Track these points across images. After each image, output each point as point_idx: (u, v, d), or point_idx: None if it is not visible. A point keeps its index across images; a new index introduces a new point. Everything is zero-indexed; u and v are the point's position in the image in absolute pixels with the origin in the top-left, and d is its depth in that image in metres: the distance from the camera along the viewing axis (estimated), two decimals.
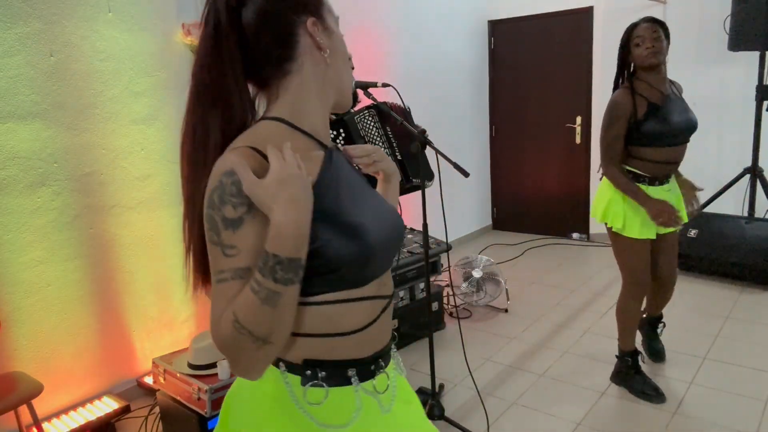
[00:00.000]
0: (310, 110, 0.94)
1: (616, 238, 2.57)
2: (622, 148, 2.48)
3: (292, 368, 0.91)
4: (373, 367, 0.96)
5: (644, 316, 2.94)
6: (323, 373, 0.91)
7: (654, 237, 2.51)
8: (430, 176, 2.78)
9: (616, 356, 2.76)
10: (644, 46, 2.38)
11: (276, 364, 0.92)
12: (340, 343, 0.91)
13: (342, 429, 0.91)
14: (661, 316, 2.93)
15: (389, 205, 1.04)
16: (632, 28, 2.45)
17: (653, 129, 2.39)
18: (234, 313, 0.78)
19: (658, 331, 2.96)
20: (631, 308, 2.63)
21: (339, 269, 0.87)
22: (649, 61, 2.38)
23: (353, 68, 1.00)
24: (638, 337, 3.09)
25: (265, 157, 0.83)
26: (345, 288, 0.90)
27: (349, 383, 0.92)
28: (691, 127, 2.46)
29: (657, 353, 2.96)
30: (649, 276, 2.61)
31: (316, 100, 0.94)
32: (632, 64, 2.49)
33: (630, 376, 2.69)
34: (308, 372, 0.90)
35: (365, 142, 2.61)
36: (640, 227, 2.48)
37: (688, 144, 2.52)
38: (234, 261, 0.80)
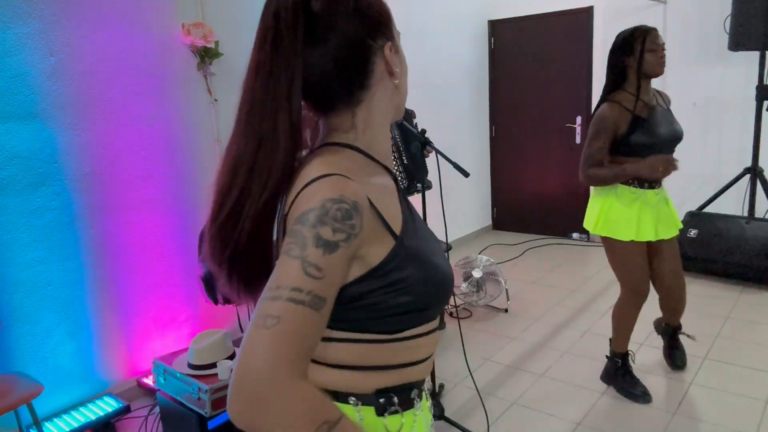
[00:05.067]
0: (380, 138, 0.91)
1: (611, 246, 2.53)
2: (604, 158, 2.44)
3: (365, 400, 0.87)
4: (423, 387, 0.97)
5: (663, 325, 2.89)
6: (396, 398, 0.89)
7: (652, 239, 2.47)
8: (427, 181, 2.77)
9: (607, 356, 2.76)
10: (659, 54, 2.36)
11: (345, 400, 0.86)
12: (413, 370, 0.91)
13: None
14: (679, 326, 2.86)
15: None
16: (644, 33, 2.36)
17: (639, 141, 2.37)
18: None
19: (680, 338, 2.91)
20: (628, 314, 2.61)
21: (429, 307, 0.87)
22: (661, 69, 2.37)
23: None
24: (656, 343, 3.09)
25: (362, 189, 0.79)
26: (428, 322, 0.90)
27: (412, 406, 0.92)
28: (676, 138, 2.45)
29: (681, 363, 2.89)
30: (648, 283, 2.57)
31: (384, 127, 0.92)
32: (627, 71, 2.41)
33: (618, 376, 2.69)
34: (381, 400, 0.88)
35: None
36: (635, 230, 2.45)
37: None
38: (315, 284, 0.71)
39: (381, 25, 0.87)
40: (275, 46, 0.78)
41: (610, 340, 2.74)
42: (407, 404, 0.90)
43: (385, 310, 0.82)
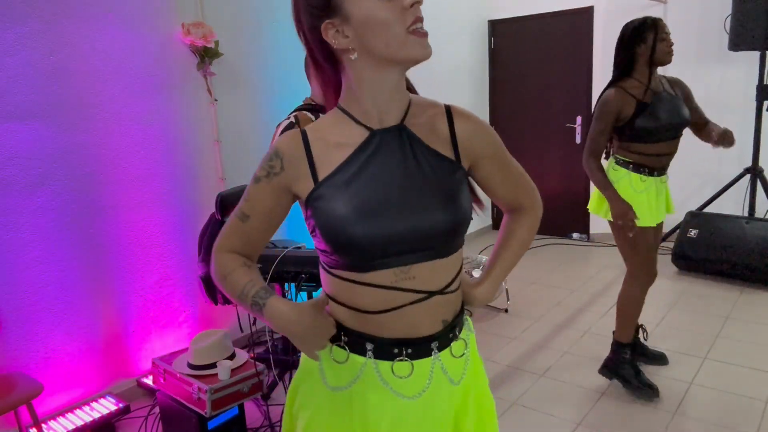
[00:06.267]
0: (361, 96, 0.97)
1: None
2: (605, 144, 2.55)
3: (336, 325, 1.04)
4: (396, 350, 0.99)
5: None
6: (346, 338, 1.01)
7: (659, 221, 2.59)
8: None
9: (613, 349, 2.74)
10: (668, 43, 2.45)
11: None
12: (357, 316, 0.99)
13: (341, 390, 1.02)
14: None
15: (431, 202, 0.99)
16: (654, 23, 2.45)
17: (642, 125, 2.46)
18: (221, 270, 1.05)
19: (643, 337, 2.96)
20: (636, 299, 2.66)
21: (338, 254, 0.95)
22: (670, 58, 2.46)
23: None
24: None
25: (307, 141, 0.98)
26: (348, 269, 0.97)
27: (363, 354, 1.00)
28: (680, 123, 2.50)
29: (661, 356, 2.94)
30: (656, 264, 2.66)
31: (370, 85, 0.96)
32: (638, 58, 2.47)
33: (625, 369, 2.69)
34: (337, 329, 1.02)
35: None
36: (651, 214, 2.54)
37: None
38: (244, 205, 1.02)
39: (321, 8, 0.91)
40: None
41: (614, 333, 2.75)
42: (356, 349, 1.00)
43: (319, 243, 0.98)
